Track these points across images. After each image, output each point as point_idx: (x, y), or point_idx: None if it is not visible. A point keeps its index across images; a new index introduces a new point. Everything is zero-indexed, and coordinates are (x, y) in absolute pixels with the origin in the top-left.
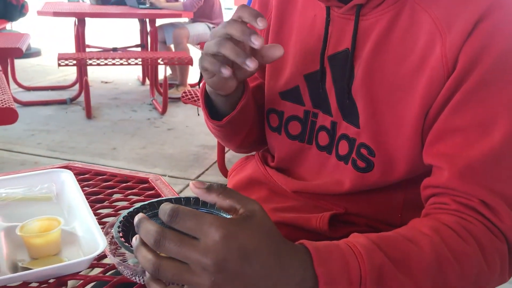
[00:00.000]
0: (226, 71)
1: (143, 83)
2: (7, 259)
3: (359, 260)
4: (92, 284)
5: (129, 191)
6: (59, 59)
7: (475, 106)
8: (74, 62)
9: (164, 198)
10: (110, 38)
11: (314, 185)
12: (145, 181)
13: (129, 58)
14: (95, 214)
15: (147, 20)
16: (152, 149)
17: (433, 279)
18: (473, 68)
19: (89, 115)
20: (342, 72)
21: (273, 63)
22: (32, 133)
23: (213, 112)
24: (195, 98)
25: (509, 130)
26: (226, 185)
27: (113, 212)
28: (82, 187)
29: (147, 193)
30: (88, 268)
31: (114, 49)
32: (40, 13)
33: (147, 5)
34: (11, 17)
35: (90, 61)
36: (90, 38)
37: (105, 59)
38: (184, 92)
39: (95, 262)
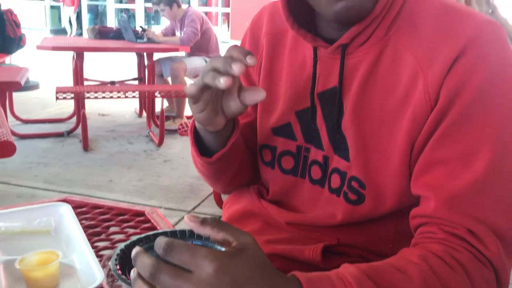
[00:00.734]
0: (224, 82)
1: (140, 115)
2: None
3: None
4: None
5: (126, 224)
6: (57, 92)
7: (458, 138)
8: (72, 95)
9: (160, 231)
10: (108, 71)
11: (307, 217)
12: (141, 214)
13: (126, 91)
14: (93, 247)
15: (145, 54)
16: (148, 181)
17: None
18: (454, 102)
19: (86, 147)
20: (331, 108)
21: (265, 99)
22: (29, 165)
23: (202, 150)
24: None
25: (491, 160)
26: (221, 216)
27: (110, 245)
28: (80, 220)
29: (143, 226)
30: None
31: (112, 83)
32: (39, 47)
33: (145, 40)
34: (9, 50)
35: (88, 94)
36: (88, 72)
37: (103, 92)
38: (181, 124)
39: None
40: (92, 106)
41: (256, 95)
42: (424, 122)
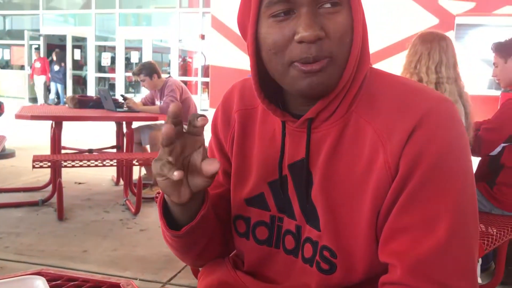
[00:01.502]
0: (177, 174)
1: (117, 183)
2: None
3: None
4: None
5: None
6: (34, 161)
7: (419, 206)
8: (49, 164)
9: None
10: (87, 139)
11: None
12: (116, 286)
13: (104, 160)
14: None
15: (124, 122)
16: (123, 251)
17: None
18: (413, 172)
19: (61, 216)
20: (301, 179)
21: (237, 171)
22: (0, 236)
23: (172, 222)
24: None
25: (451, 225)
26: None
27: None
28: None
29: None
30: None
31: (90, 151)
32: (18, 116)
33: (125, 109)
34: None
35: (65, 163)
36: (66, 140)
37: (80, 161)
38: (158, 192)
39: None
40: (68, 174)
41: (211, 166)
42: (387, 191)
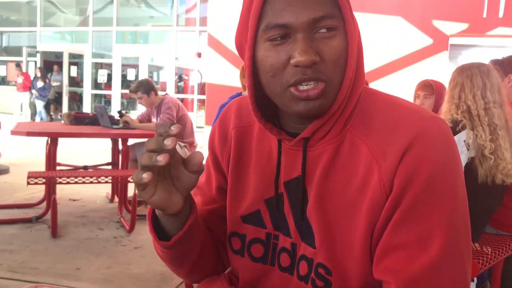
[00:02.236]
0: (144, 176)
1: (111, 200)
2: None
3: None
4: None
5: None
6: (28, 177)
7: (412, 224)
8: (44, 180)
9: None
10: (82, 156)
11: None
12: None
13: (99, 177)
14: None
15: (120, 139)
16: (117, 269)
17: None
18: (406, 190)
19: (54, 234)
20: (297, 197)
21: (233, 188)
22: None
23: (162, 235)
24: None
25: (444, 243)
26: None
27: None
28: None
29: None
30: None
31: (85, 167)
32: (13, 132)
33: (121, 125)
34: None
35: (60, 180)
36: (61, 156)
37: (75, 177)
38: None
39: None
40: (63, 190)
41: (195, 158)
42: (381, 209)
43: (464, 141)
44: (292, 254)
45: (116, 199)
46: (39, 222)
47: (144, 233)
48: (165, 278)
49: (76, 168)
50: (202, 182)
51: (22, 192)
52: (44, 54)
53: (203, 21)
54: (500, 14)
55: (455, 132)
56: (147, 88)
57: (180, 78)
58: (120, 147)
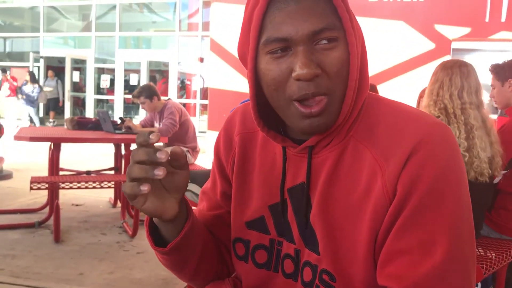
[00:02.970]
0: (144, 188)
1: (114, 205)
2: None
3: None
4: None
5: None
6: (31, 182)
7: (416, 229)
8: (47, 185)
9: None
10: (85, 161)
11: None
12: None
13: (102, 182)
14: None
15: (122, 144)
16: (120, 274)
17: None
18: (410, 196)
19: (57, 239)
20: (300, 203)
21: (238, 194)
22: None
23: (161, 241)
24: None
25: (448, 248)
26: None
27: None
28: None
29: None
30: None
31: (88, 172)
32: (16, 138)
33: (123, 130)
34: None
35: (63, 185)
36: (64, 161)
37: (78, 182)
38: None
39: None
40: (65, 196)
41: (176, 152)
42: (384, 214)
43: None
44: (296, 260)
45: (119, 204)
46: (42, 227)
47: (146, 238)
48: (167, 283)
49: (79, 173)
50: (208, 188)
51: (25, 197)
52: (47, 59)
53: (206, 26)
54: (503, 19)
55: None
56: (149, 93)
57: (182, 83)
58: (123, 152)
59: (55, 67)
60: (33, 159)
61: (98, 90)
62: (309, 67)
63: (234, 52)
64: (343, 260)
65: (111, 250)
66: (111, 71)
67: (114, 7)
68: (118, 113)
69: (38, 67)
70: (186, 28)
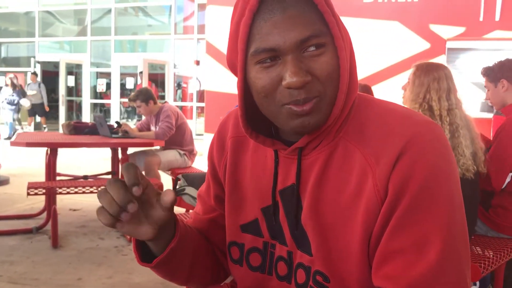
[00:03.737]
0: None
1: None
2: None
3: None
4: None
5: None
6: (28, 188)
7: (409, 229)
8: (44, 191)
9: None
10: (82, 165)
11: None
12: None
13: (99, 186)
14: None
15: (119, 148)
16: (119, 278)
17: None
18: (401, 196)
19: (55, 244)
20: (291, 205)
21: (231, 198)
22: None
23: (150, 253)
24: None
25: (441, 248)
26: None
27: None
28: None
29: None
30: None
31: (85, 177)
32: (13, 143)
33: (120, 135)
34: None
35: (60, 190)
36: (61, 166)
37: (75, 187)
38: None
39: None
40: (63, 201)
41: (166, 197)
42: (377, 214)
43: None
44: (288, 262)
45: None
46: (40, 232)
47: None
48: (166, 286)
49: (76, 178)
50: (203, 191)
51: (22, 203)
52: (43, 64)
53: (201, 29)
54: (497, 18)
55: None
56: (145, 96)
57: (179, 86)
58: (120, 156)
59: (51, 72)
60: (29, 164)
61: (95, 94)
62: (298, 75)
63: None
64: (336, 261)
65: (109, 255)
66: (107, 75)
67: (109, 11)
68: (115, 117)
69: (35, 72)
70: (182, 31)
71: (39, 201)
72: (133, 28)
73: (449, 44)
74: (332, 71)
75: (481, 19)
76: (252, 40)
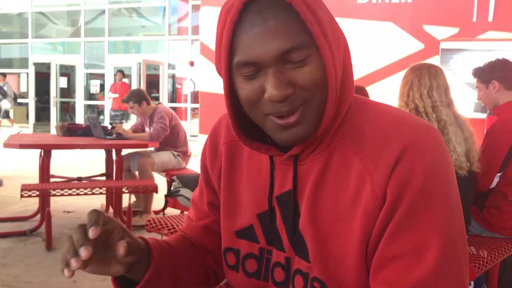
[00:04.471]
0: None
1: (106, 211)
2: None
3: None
4: None
5: None
6: (22, 190)
7: (407, 233)
8: (38, 193)
9: None
10: (76, 167)
11: None
12: None
13: (93, 188)
14: None
15: (113, 149)
16: None
17: None
18: (400, 201)
19: (49, 246)
20: (288, 211)
21: (227, 204)
22: None
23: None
24: (159, 227)
25: (440, 251)
26: None
27: None
28: None
29: None
30: None
31: (79, 179)
32: (6, 145)
33: (114, 136)
34: None
35: (54, 192)
36: (55, 168)
37: (69, 189)
38: (148, 220)
39: None
40: (57, 203)
41: (119, 250)
42: (375, 219)
43: None
44: (286, 268)
45: (111, 209)
46: (33, 235)
47: None
48: None
49: (70, 179)
50: (196, 197)
51: (16, 205)
52: (36, 65)
53: (195, 29)
54: (490, 18)
55: None
56: (138, 97)
57: (173, 87)
58: (114, 157)
59: (45, 73)
60: (23, 166)
61: (89, 95)
62: (278, 89)
63: None
64: (334, 267)
65: None
66: (101, 76)
67: (103, 12)
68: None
69: (27, 74)
70: (176, 32)
71: (33, 203)
72: (127, 29)
73: (443, 45)
74: (317, 80)
75: (474, 19)
76: (235, 52)
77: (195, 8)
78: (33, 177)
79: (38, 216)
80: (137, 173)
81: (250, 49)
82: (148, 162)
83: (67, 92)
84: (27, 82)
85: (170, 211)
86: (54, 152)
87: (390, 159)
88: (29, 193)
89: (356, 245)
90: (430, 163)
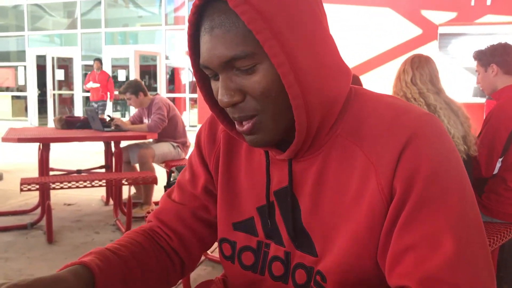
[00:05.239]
0: None
1: (106, 203)
2: None
3: None
4: None
5: None
6: (21, 184)
7: (419, 224)
8: (37, 186)
9: None
10: (75, 160)
11: None
12: None
13: (93, 180)
14: None
15: (112, 141)
16: None
17: None
18: (409, 192)
19: (50, 239)
20: (287, 206)
21: (225, 194)
22: None
23: None
24: None
25: (457, 238)
26: None
27: None
28: None
29: None
30: None
31: (79, 171)
32: (4, 139)
33: (112, 128)
34: None
35: (53, 185)
36: (54, 161)
37: (69, 182)
38: (148, 212)
39: None
40: (57, 196)
41: None
42: (381, 213)
43: None
44: (285, 262)
45: (111, 202)
46: (34, 228)
47: None
48: None
49: (69, 172)
50: (186, 180)
51: (16, 199)
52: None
53: None
54: (488, 2)
55: None
56: (135, 88)
57: (171, 77)
58: (113, 149)
59: (42, 66)
60: (22, 159)
61: None
62: (226, 95)
63: None
64: (340, 261)
65: None
66: None
67: (99, 3)
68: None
69: (25, 66)
70: (173, 21)
71: (33, 197)
72: (124, 20)
73: (441, 30)
74: (268, 89)
75: (472, 3)
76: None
77: None
78: (33, 171)
79: (39, 210)
80: (137, 165)
81: (203, 54)
82: (148, 154)
83: (66, 84)
84: (24, 75)
85: None
86: (53, 145)
87: (394, 150)
88: (29, 186)
89: (362, 238)
90: (437, 151)
